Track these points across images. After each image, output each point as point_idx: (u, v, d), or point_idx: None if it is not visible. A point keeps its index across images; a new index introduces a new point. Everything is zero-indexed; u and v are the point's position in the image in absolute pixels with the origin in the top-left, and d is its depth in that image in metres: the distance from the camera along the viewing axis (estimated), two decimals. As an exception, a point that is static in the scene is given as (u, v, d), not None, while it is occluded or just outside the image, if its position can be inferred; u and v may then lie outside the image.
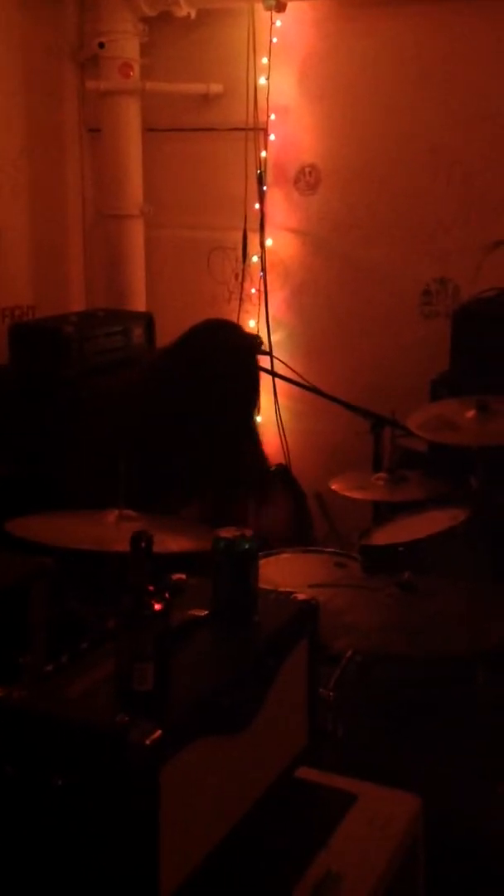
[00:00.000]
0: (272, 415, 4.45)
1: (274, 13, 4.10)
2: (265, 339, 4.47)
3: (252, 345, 3.30)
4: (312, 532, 4.32)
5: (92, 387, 3.96)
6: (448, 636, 2.16)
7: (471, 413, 2.97)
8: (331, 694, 2.14)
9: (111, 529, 2.11)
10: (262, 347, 3.41)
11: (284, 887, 1.38)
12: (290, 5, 4.09)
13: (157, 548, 1.89)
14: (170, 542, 2.09)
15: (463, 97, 4.04)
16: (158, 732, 1.20)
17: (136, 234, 4.55)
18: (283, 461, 4.44)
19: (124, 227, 4.52)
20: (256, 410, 3.26)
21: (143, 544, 1.26)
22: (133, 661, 1.24)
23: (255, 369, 3.23)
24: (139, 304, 4.58)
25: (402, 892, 1.57)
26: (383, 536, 2.87)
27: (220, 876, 1.33)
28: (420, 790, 1.76)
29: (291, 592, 1.59)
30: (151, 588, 1.26)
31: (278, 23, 4.19)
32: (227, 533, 1.51)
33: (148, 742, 1.19)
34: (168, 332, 4.17)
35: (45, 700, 1.27)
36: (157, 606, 1.28)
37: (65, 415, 3.86)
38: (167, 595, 1.54)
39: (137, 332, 4.34)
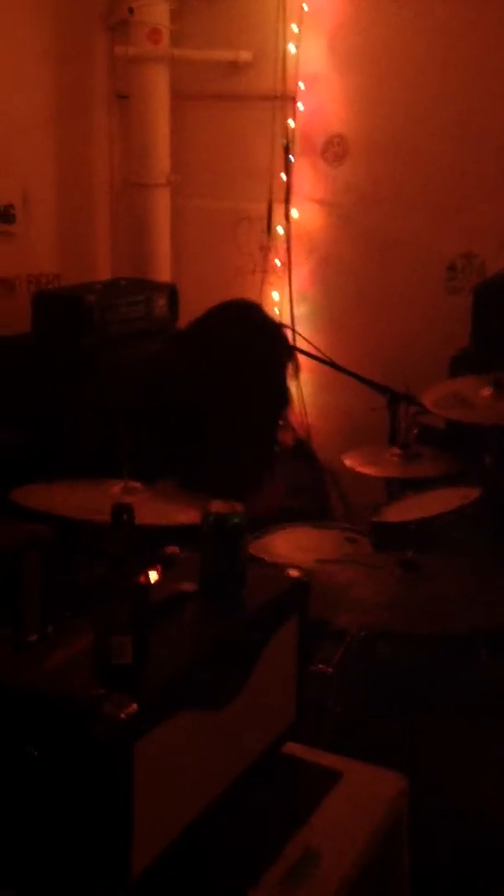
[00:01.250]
0: (294, 388, 4.42)
1: (306, -21, 4.04)
2: (287, 312, 4.46)
3: (279, 327, 3.32)
4: (329, 506, 4.31)
5: (112, 356, 3.97)
6: (450, 616, 2.15)
7: (487, 391, 2.94)
8: (329, 670, 2.14)
9: (115, 500, 2.11)
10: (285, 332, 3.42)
11: (261, 864, 1.38)
12: (321, -28, 4.03)
13: (163, 520, 1.90)
14: (177, 514, 2.09)
15: (494, 69, 3.96)
16: (134, 706, 1.20)
17: (163, 204, 4.53)
18: (303, 434, 4.43)
19: (151, 196, 4.50)
20: (285, 393, 3.29)
21: (124, 517, 1.25)
22: (111, 634, 1.24)
23: (283, 353, 3.25)
24: (164, 273, 4.57)
25: (384, 872, 1.58)
26: (394, 514, 2.86)
27: (195, 852, 1.34)
28: (414, 770, 1.76)
29: (284, 567, 1.58)
30: (133, 560, 1.26)
31: (309, -10, 4.12)
32: (217, 507, 1.51)
33: (123, 716, 1.19)
34: (192, 303, 4.18)
35: (22, 671, 1.28)
36: (139, 579, 1.28)
37: (83, 383, 3.87)
38: (158, 567, 1.55)
39: (160, 303, 4.33)
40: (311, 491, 4.15)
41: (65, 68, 4.45)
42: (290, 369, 3.43)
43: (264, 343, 3.24)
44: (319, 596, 2.23)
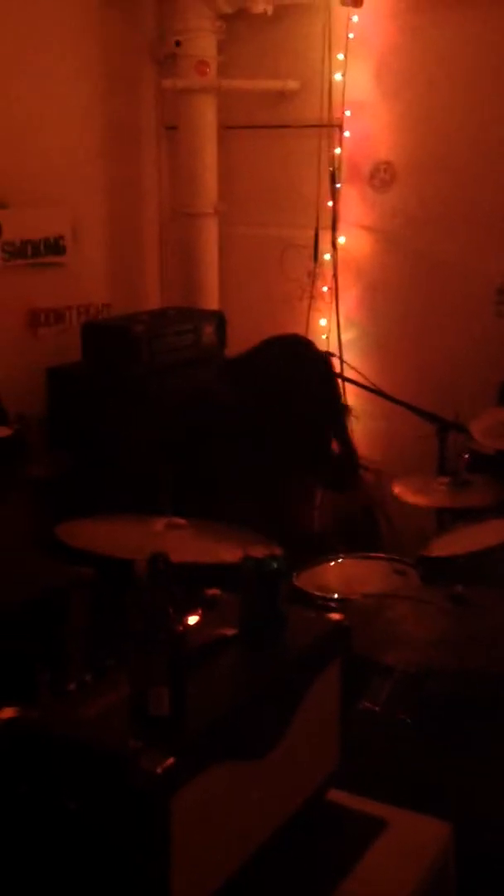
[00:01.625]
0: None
1: (351, 8, 4.04)
2: (335, 338, 4.45)
3: (327, 360, 3.33)
4: (379, 533, 4.27)
5: (160, 385, 3.99)
6: (497, 653, 2.11)
7: (538, 420, 2.90)
8: (376, 709, 2.11)
9: (159, 538, 2.11)
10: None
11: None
12: (367, 0, 4.03)
13: (207, 557, 1.89)
14: (221, 552, 2.08)
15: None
16: (171, 760, 1.19)
17: (211, 232, 4.55)
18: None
19: (199, 225, 4.53)
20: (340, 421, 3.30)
21: (160, 566, 1.25)
22: (148, 685, 1.24)
23: (333, 384, 3.27)
24: (212, 301, 4.59)
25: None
26: (442, 547, 2.82)
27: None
28: (461, 811, 1.72)
29: (326, 610, 1.56)
30: (171, 609, 1.25)
31: (355, 18, 4.13)
32: (256, 551, 1.50)
33: (159, 770, 1.18)
34: (239, 330, 4.19)
35: (60, 721, 1.27)
36: (177, 628, 1.27)
37: (131, 412, 3.90)
38: (199, 610, 1.54)
39: (208, 331, 4.34)
40: (359, 518, 4.11)
41: (113, 102, 4.50)
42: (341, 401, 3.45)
43: (314, 374, 3.25)
44: (367, 632, 2.22)
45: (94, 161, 4.48)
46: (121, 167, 4.62)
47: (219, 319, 4.39)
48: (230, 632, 1.50)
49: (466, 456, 3.23)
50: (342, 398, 3.52)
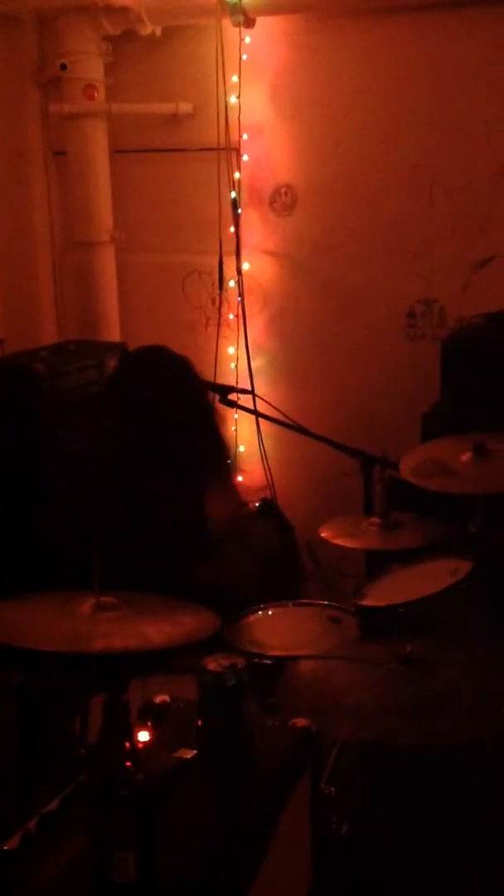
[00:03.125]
0: (256, 447, 4.28)
1: (243, 29, 3.92)
2: (245, 366, 4.31)
3: (183, 363, 3.06)
4: (301, 569, 4.16)
5: (67, 427, 3.78)
6: (455, 721, 1.99)
7: (466, 456, 2.81)
8: (331, 790, 1.97)
9: (86, 623, 1.92)
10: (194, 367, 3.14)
11: None
12: (259, 20, 3.91)
13: (141, 642, 1.71)
14: (152, 635, 1.90)
15: (443, 112, 3.87)
16: (143, 939, 1.03)
17: (108, 262, 4.37)
18: (268, 495, 4.27)
19: (95, 255, 4.35)
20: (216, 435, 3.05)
21: (118, 714, 1.08)
22: (111, 849, 1.07)
23: (194, 386, 3.02)
24: (113, 333, 4.41)
25: None
26: (380, 594, 2.70)
27: None
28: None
29: (262, 671, 1.40)
30: (129, 764, 1.08)
31: (247, 39, 4.00)
32: (213, 664, 1.34)
33: None
34: (144, 362, 4.01)
35: (10, 892, 1.09)
36: (139, 780, 1.10)
37: (38, 459, 3.68)
38: (150, 723, 1.38)
39: (111, 364, 4.14)
40: (281, 556, 3.98)
41: (-3, 128, 4.28)
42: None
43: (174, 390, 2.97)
44: (318, 703, 2.08)
45: (-21, 190, 4.25)
46: (9, 197, 4.40)
47: (122, 352, 4.20)
48: (188, 754, 1.33)
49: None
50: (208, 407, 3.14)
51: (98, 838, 1.08)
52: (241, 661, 1.35)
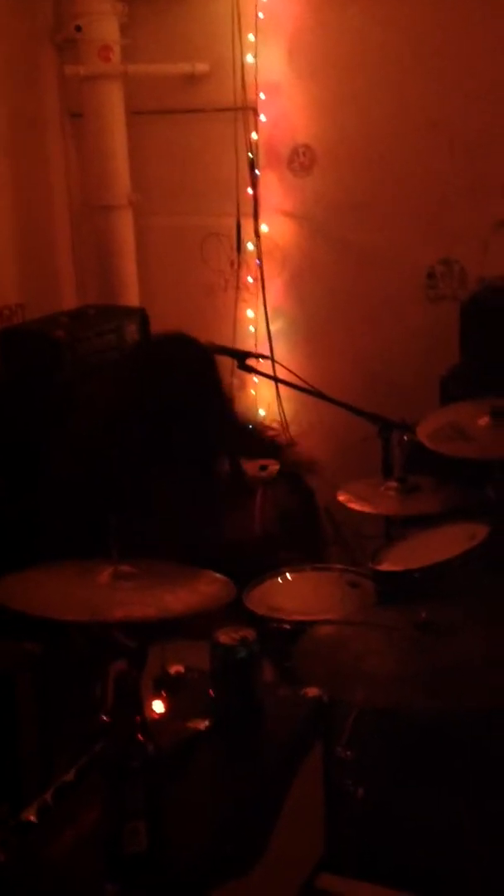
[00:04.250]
0: (275, 410, 4.28)
1: (259, -14, 3.86)
2: (264, 329, 4.30)
3: (203, 357, 3.09)
4: (321, 532, 4.17)
5: (88, 392, 3.80)
6: (468, 689, 2.01)
7: (484, 420, 2.80)
8: (348, 753, 2.00)
9: (105, 591, 1.95)
10: (213, 356, 3.16)
11: None
12: (275, -23, 3.85)
13: (160, 611, 1.74)
14: (171, 603, 1.93)
15: (462, 68, 3.81)
16: (153, 906, 1.06)
17: (126, 225, 4.35)
18: (289, 458, 4.27)
19: (113, 218, 4.32)
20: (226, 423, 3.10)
21: (129, 687, 1.10)
22: (122, 821, 1.09)
23: (211, 383, 3.06)
24: (132, 297, 4.40)
25: None
26: (396, 559, 2.71)
27: None
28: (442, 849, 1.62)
29: (300, 689, 1.43)
30: (140, 736, 1.10)
31: (264, -4, 3.94)
32: (225, 637, 1.36)
33: (142, 920, 1.04)
34: (163, 325, 4.01)
35: (25, 864, 1.12)
36: (150, 751, 1.12)
37: (60, 423, 3.71)
38: (164, 695, 1.40)
39: (131, 329, 4.16)
40: (301, 519, 4.00)
41: (13, 92, 4.24)
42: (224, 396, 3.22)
43: (189, 381, 3.02)
44: (333, 668, 2.11)
45: (-4, 155, 4.23)
46: (26, 160, 4.37)
47: (141, 316, 4.20)
48: (202, 724, 1.36)
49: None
50: (224, 404, 3.22)
51: (110, 809, 1.11)
52: (252, 634, 1.37)
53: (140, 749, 1.12)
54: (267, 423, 4.40)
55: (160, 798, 1.13)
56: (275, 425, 4.36)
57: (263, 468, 4.30)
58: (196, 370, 3.01)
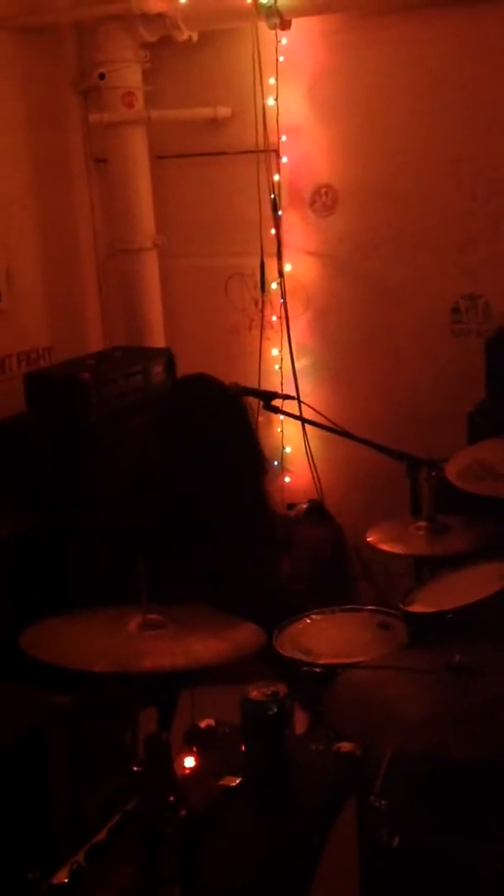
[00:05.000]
0: (301, 448, 4.28)
1: (279, 31, 3.91)
2: (289, 367, 4.31)
3: (228, 396, 3.08)
4: (351, 570, 4.15)
5: (115, 434, 3.81)
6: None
7: (513, 458, 2.79)
8: (382, 803, 1.97)
9: (134, 641, 1.94)
10: (237, 395, 3.15)
11: None
12: (295, 21, 3.90)
13: (189, 661, 1.73)
14: (200, 652, 1.92)
15: (482, 105, 3.83)
16: None
17: (151, 267, 4.39)
18: (315, 496, 4.27)
19: (138, 261, 4.37)
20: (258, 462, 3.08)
21: (160, 750, 1.10)
22: (157, 885, 1.08)
23: (238, 420, 3.04)
24: (158, 338, 4.43)
25: None
26: (428, 599, 2.69)
27: None
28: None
29: (333, 744, 1.41)
30: (172, 798, 1.10)
31: (284, 40, 3.99)
32: (256, 693, 1.35)
33: None
34: (189, 365, 4.03)
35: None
36: (183, 814, 1.12)
37: (87, 465, 3.72)
38: (195, 749, 1.39)
39: (157, 370, 4.18)
40: (330, 558, 3.99)
41: (39, 139, 4.32)
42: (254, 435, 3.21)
43: (213, 421, 3.01)
44: (365, 714, 2.09)
45: (24, 200, 4.29)
46: (52, 205, 4.43)
47: (167, 357, 4.23)
48: (233, 781, 1.35)
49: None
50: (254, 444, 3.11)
51: (144, 875, 1.10)
52: (283, 689, 1.36)
53: (172, 812, 1.11)
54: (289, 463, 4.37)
55: (194, 861, 1.12)
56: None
57: (291, 507, 4.30)
58: (219, 411, 3.02)
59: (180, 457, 2.83)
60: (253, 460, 3.00)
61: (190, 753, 1.40)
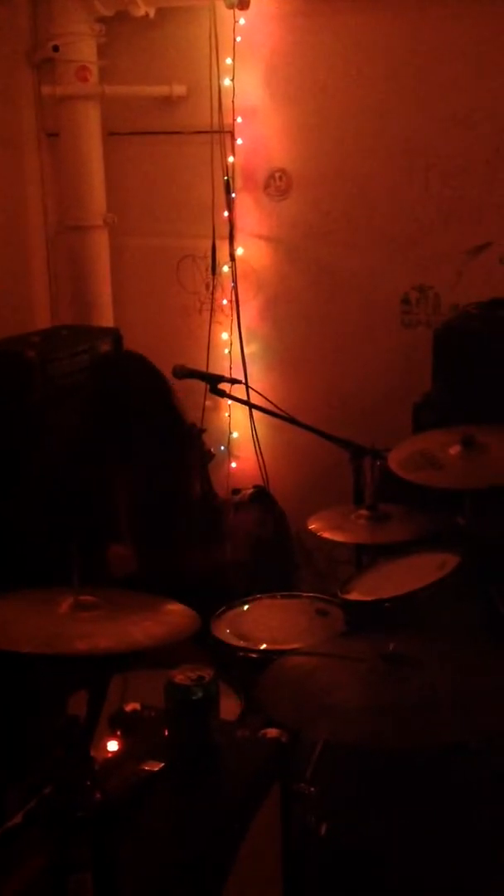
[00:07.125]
0: (249, 433, 4.26)
1: (237, 11, 3.86)
2: (237, 351, 4.28)
3: (158, 378, 3.10)
4: (294, 556, 4.15)
5: (59, 415, 3.76)
6: (436, 724, 1.98)
7: (455, 449, 2.79)
8: (311, 789, 1.96)
9: (67, 622, 1.91)
10: (170, 382, 3.17)
11: None
12: (253, 2, 3.85)
13: (122, 644, 1.70)
14: (135, 631, 1.89)
15: (438, 95, 3.83)
16: None
17: (101, 245, 4.33)
18: (261, 481, 4.25)
19: (88, 238, 4.31)
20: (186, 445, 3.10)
21: (74, 732, 1.07)
22: (67, 873, 1.06)
23: (167, 402, 3.06)
24: (106, 318, 4.38)
25: None
26: (366, 588, 2.69)
27: None
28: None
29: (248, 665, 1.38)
30: (88, 782, 1.07)
31: (241, 20, 3.95)
32: (181, 676, 1.33)
33: None
34: (137, 346, 3.97)
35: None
36: (97, 799, 1.09)
37: (30, 445, 3.67)
38: (119, 733, 1.37)
39: (104, 350, 4.12)
40: (272, 543, 3.97)
41: (-10, 110, 4.23)
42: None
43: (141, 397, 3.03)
44: (299, 701, 2.07)
45: (-28, 173, 4.21)
46: (1, 179, 4.35)
47: (115, 337, 4.17)
48: (156, 766, 1.32)
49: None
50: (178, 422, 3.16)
51: (54, 861, 1.07)
52: (209, 673, 1.34)
53: (87, 796, 1.08)
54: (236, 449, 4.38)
55: (110, 846, 1.09)
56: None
57: (237, 492, 4.28)
58: (148, 387, 3.02)
59: (101, 437, 2.82)
60: (175, 441, 3.01)
61: (113, 737, 1.37)
